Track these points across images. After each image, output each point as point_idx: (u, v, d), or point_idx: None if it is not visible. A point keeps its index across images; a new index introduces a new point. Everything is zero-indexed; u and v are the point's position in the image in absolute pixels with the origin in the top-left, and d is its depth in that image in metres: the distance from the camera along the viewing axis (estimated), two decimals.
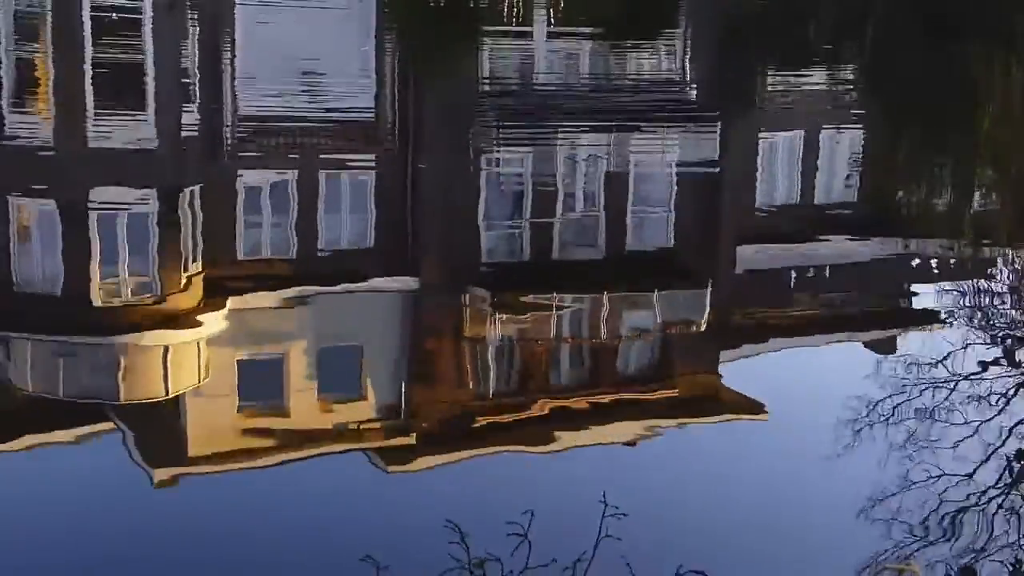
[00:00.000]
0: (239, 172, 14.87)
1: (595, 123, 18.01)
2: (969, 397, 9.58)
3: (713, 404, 9.76)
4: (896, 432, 8.92)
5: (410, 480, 8.14)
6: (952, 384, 9.80)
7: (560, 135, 17.24)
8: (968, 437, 8.86)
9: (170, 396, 9.39)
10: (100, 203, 13.14)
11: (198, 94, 18.84)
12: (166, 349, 10.25)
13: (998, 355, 10.63)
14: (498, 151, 16.57)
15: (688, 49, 25.86)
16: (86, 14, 24.22)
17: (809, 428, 8.96)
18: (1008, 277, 13.14)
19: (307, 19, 25.22)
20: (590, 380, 10.31)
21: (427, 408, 9.40)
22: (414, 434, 8.90)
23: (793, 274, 13.55)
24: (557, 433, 8.92)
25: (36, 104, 17.86)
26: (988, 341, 11.01)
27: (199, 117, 17.53)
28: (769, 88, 22.24)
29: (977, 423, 9.07)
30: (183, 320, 10.71)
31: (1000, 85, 20.79)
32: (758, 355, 10.99)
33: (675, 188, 15.54)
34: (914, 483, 8.12)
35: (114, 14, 23.72)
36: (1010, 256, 13.70)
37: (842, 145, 18.17)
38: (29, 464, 8.06)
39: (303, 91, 18.83)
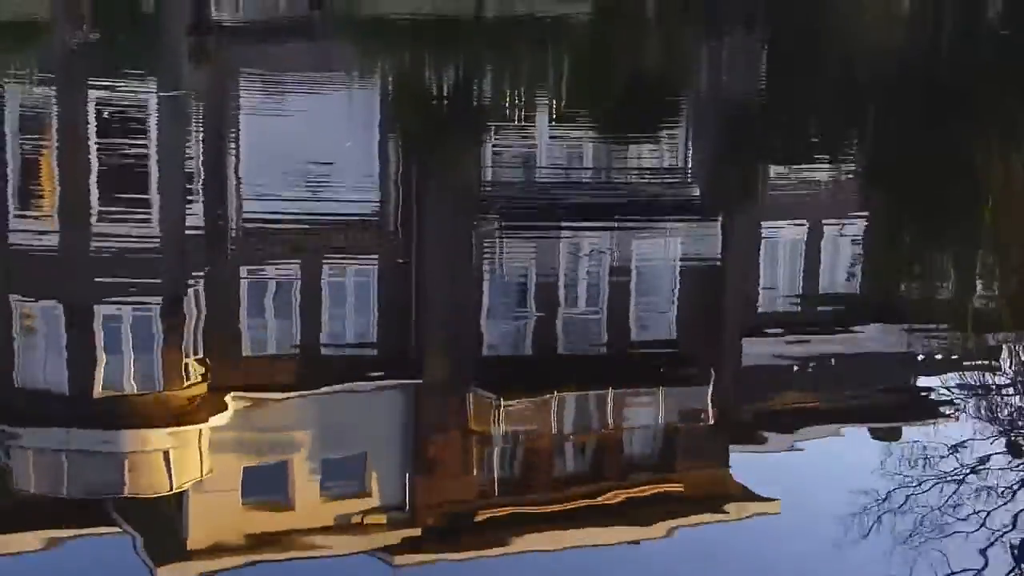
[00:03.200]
0: (242, 270, 14.90)
1: (598, 218, 18.06)
2: (976, 489, 9.53)
3: (722, 499, 9.72)
4: (903, 524, 8.88)
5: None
6: (959, 477, 9.76)
7: (563, 230, 17.28)
8: (974, 531, 8.82)
9: (173, 492, 9.37)
10: (104, 303, 13.17)
11: (201, 192, 18.91)
12: (168, 448, 10.22)
13: (1002, 448, 10.60)
14: (501, 247, 16.61)
15: (690, 143, 25.98)
16: (91, 112, 24.38)
17: (819, 520, 8.93)
18: (1013, 367, 13.12)
19: (311, 117, 25.39)
20: (595, 477, 10.26)
21: (432, 507, 9.36)
22: (419, 530, 8.87)
23: (797, 366, 13.53)
24: (560, 531, 8.88)
25: (40, 203, 17.93)
26: (993, 433, 10.98)
27: (203, 214, 17.58)
28: (772, 182, 22.30)
29: (984, 516, 9.04)
30: (186, 418, 10.69)
31: (1002, 175, 20.86)
32: (766, 448, 10.97)
33: (678, 282, 15.56)
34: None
35: (106, 112, 23.88)
36: (1015, 347, 13.68)
37: (846, 237, 18.21)
38: (34, 560, 8.03)
39: (307, 188, 18.89)
